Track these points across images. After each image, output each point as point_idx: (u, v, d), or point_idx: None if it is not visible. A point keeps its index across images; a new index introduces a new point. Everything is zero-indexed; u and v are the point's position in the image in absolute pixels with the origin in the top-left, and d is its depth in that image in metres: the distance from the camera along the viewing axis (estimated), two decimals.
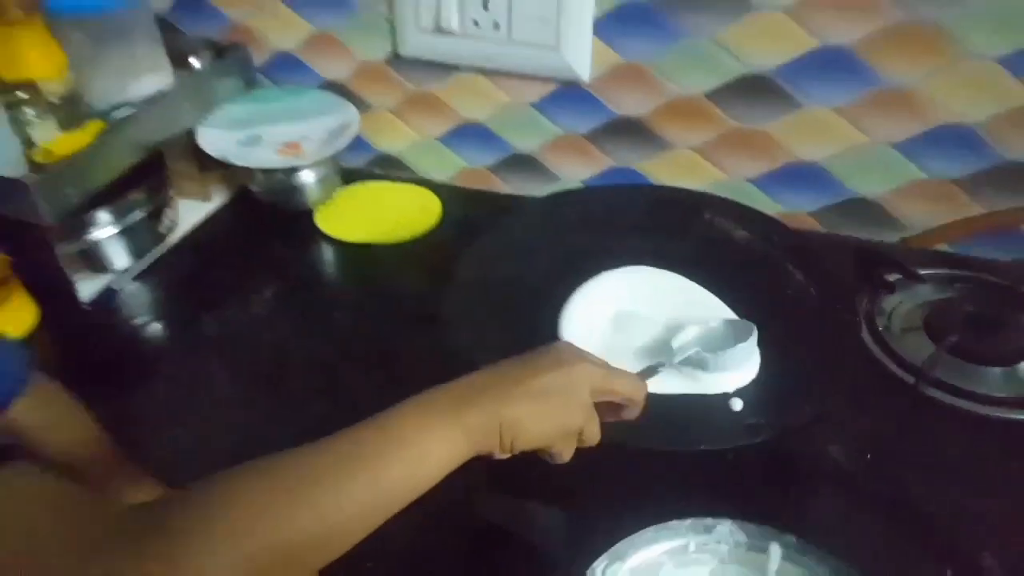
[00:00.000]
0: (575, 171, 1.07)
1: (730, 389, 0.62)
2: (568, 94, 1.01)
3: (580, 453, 0.52)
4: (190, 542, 0.36)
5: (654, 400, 0.56)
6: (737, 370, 0.63)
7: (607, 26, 0.95)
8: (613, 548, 0.54)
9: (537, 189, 1.10)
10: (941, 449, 0.63)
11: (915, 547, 0.55)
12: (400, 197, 1.10)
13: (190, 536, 0.36)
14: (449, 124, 1.10)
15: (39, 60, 1.00)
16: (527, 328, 0.67)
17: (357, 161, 1.16)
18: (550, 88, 1.01)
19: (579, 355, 0.53)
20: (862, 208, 0.96)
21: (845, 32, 0.87)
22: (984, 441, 0.65)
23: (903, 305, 0.77)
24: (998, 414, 0.65)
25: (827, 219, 0.98)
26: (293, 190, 1.06)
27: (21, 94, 0.96)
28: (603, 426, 0.53)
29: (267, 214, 1.07)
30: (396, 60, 1.07)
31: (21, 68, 0.98)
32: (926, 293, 0.79)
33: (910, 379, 0.66)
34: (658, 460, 0.60)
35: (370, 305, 0.93)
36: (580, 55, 0.96)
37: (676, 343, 0.64)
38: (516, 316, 0.70)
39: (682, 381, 0.62)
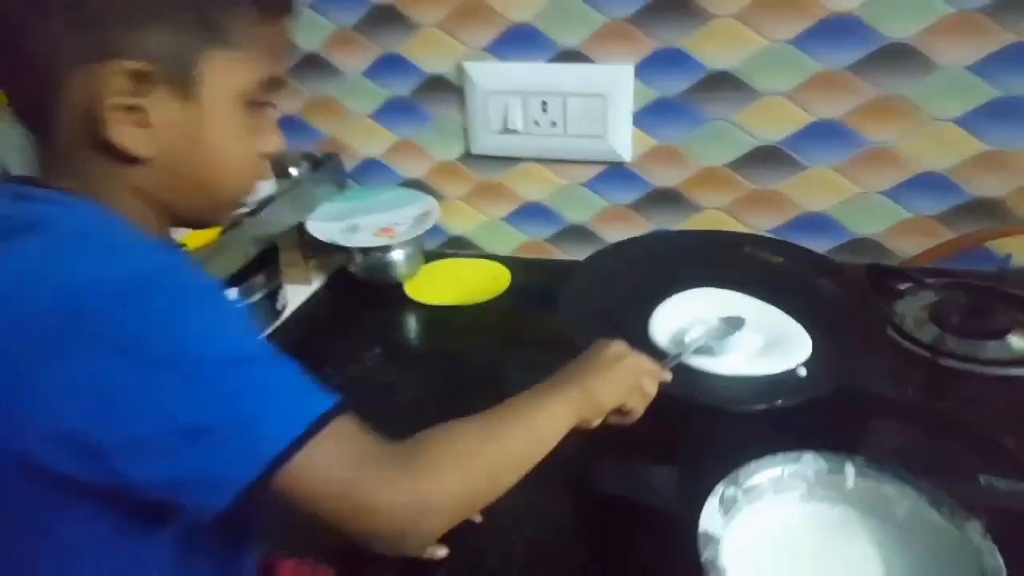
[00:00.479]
0: (620, 236, 1.27)
1: (794, 365, 0.82)
2: (613, 173, 1.24)
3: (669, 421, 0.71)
4: (434, 467, 0.54)
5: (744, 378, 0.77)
6: (738, 351, 0.85)
7: (644, 116, 1.19)
8: (729, 476, 0.72)
9: (588, 254, 1.31)
10: (955, 397, 0.85)
11: (952, 459, 0.75)
12: (474, 269, 1.30)
13: (435, 464, 0.54)
14: (512, 206, 1.32)
15: None
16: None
17: (431, 244, 1.37)
18: (598, 169, 1.25)
19: (621, 344, 0.74)
20: (863, 245, 1.18)
21: (834, 108, 1.11)
22: (985, 391, 0.86)
23: (912, 306, 0.99)
24: (994, 372, 0.87)
25: (836, 257, 1.19)
26: (387, 266, 1.26)
27: None
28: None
29: (362, 289, 1.27)
30: (467, 157, 1.30)
31: None
32: (928, 297, 1.01)
33: (927, 354, 0.87)
34: (745, 421, 0.80)
35: (463, 353, 1.12)
36: (623, 142, 1.20)
37: (687, 338, 0.85)
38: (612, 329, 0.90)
39: (761, 362, 0.82)
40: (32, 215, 0.51)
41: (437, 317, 1.21)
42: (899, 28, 1.04)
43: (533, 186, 1.30)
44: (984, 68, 1.03)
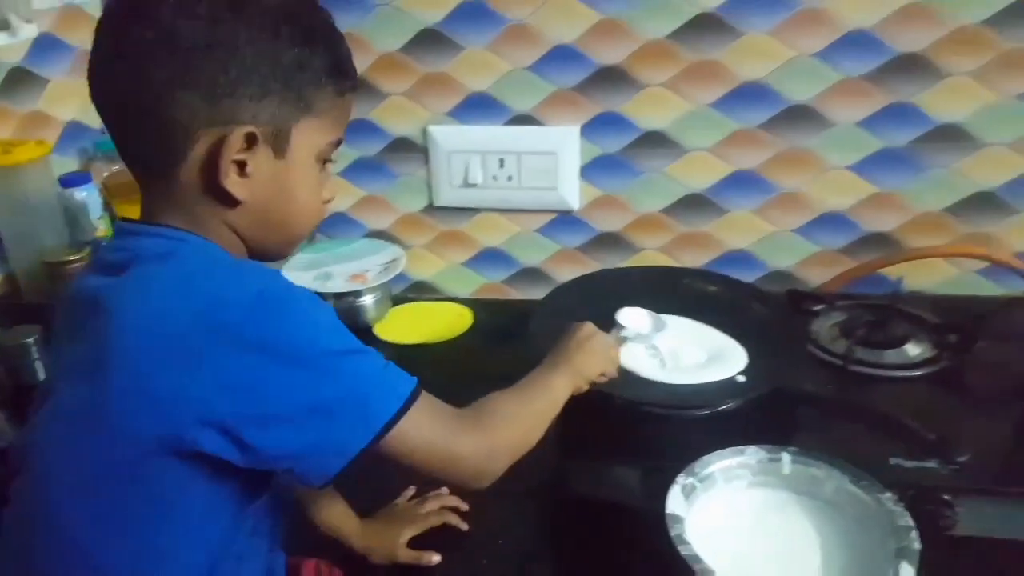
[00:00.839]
0: (570, 276, 1.42)
1: (733, 373, 0.98)
2: (563, 220, 1.41)
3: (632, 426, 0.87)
4: (495, 424, 0.72)
5: (692, 385, 0.94)
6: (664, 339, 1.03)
7: (589, 170, 1.36)
8: (687, 467, 0.86)
9: (541, 294, 1.45)
10: (864, 396, 1.03)
11: (866, 446, 0.92)
12: (438, 310, 1.43)
13: (495, 422, 0.72)
14: (471, 252, 1.47)
15: None
16: None
17: (397, 289, 1.49)
18: (549, 217, 1.41)
19: (585, 323, 0.92)
20: (779, 276, 1.37)
21: (750, 160, 1.30)
22: (888, 390, 1.03)
23: (825, 324, 1.17)
24: (894, 374, 1.05)
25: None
26: (358, 310, 1.36)
27: None
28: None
29: None
30: (429, 208, 1.44)
31: None
32: (837, 316, 1.19)
33: (839, 362, 1.05)
34: (695, 423, 0.95)
35: (431, 387, 1.23)
36: (571, 192, 1.37)
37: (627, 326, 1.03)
38: None
39: (706, 372, 0.98)
40: (159, 247, 0.64)
41: (405, 355, 1.31)
42: (800, 92, 1.24)
43: (491, 233, 1.44)
44: (870, 123, 1.24)
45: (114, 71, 0.64)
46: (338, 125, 0.72)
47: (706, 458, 0.87)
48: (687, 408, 0.95)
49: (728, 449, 0.88)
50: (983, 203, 1.25)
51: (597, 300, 1.14)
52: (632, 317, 1.05)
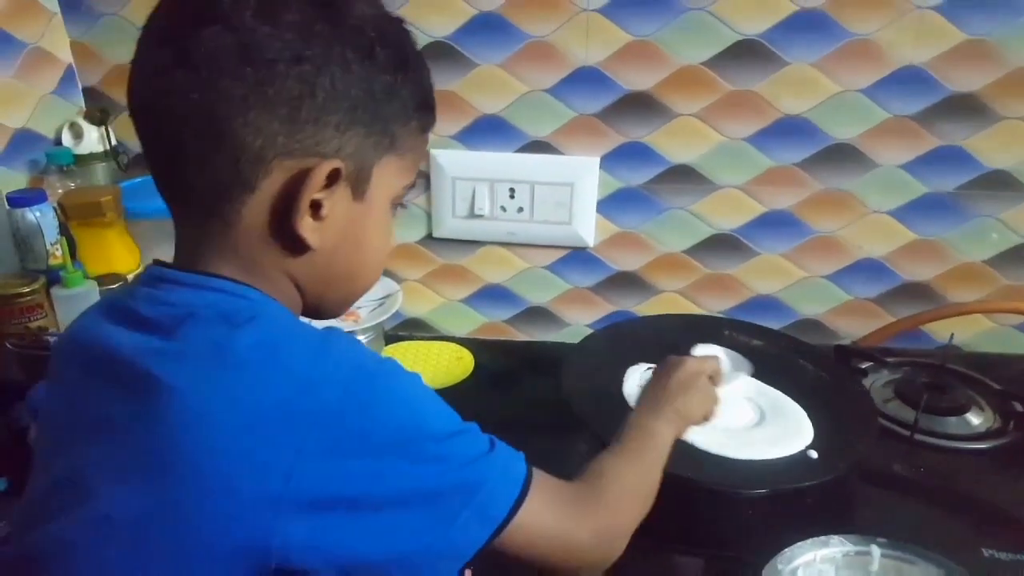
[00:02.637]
0: (580, 318, 1.33)
1: (804, 447, 0.87)
2: (576, 256, 1.28)
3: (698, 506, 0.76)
4: (614, 503, 0.66)
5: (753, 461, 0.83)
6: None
7: (607, 205, 1.24)
8: (768, 564, 0.75)
9: (547, 335, 1.34)
10: (935, 472, 0.94)
11: (953, 533, 0.83)
12: (436, 351, 1.30)
13: (613, 501, 0.66)
14: (472, 288, 1.34)
15: (124, 255, 1.15)
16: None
17: (388, 325, 1.35)
18: (561, 253, 1.29)
19: (686, 359, 0.87)
20: (809, 325, 1.28)
21: (785, 200, 1.20)
22: (956, 464, 0.95)
23: (875, 384, 1.08)
24: (959, 445, 0.97)
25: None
26: None
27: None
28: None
29: None
30: (429, 240, 1.30)
31: (110, 262, 1.14)
32: (887, 375, 1.10)
33: (905, 432, 0.95)
34: (750, 504, 0.85)
35: None
36: (587, 228, 1.25)
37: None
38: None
39: (773, 447, 0.87)
40: (221, 305, 0.53)
41: None
42: (843, 130, 1.15)
43: (496, 269, 1.31)
44: (914, 167, 1.16)
45: (174, 80, 0.52)
46: (415, 166, 0.64)
47: (788, 552, 0.77)
48: (755, 488, 0.84)
49: (811, 540, 0.78)
50: None
51: (631, 350, 1.03)
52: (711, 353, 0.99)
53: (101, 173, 1.28)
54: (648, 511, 0.69)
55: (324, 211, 0.56)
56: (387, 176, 0.60)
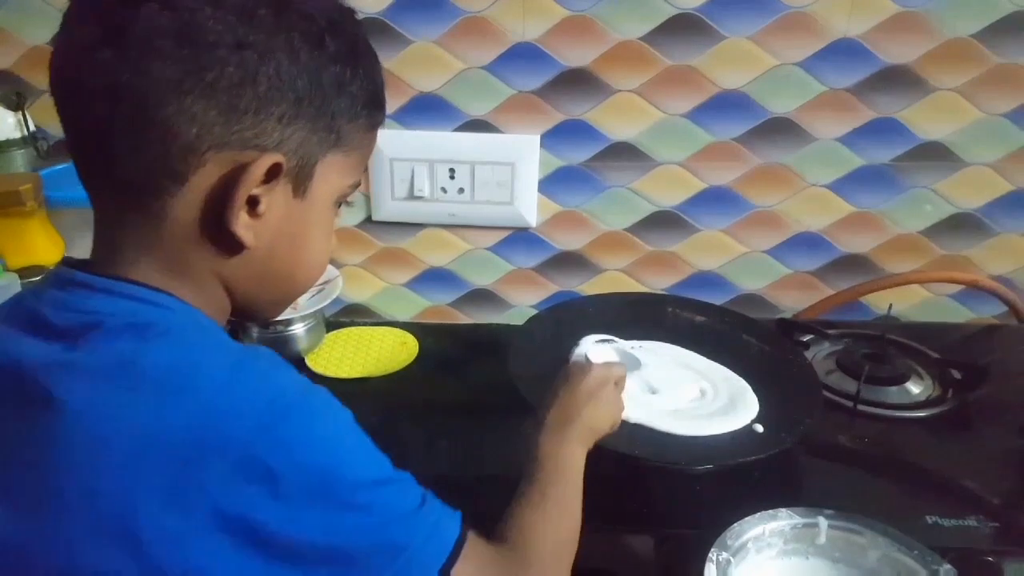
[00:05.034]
0: (525, 298, 1.31)
1: (749, 421, 0.87)
2: (519, 237, 1.27)
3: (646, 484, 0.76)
4: (543, 565, 0.63)
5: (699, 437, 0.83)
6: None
7: (548, 184, 1.23)
8: (718, 540, 0.75)
9: (491, 317, 1.33)
10: (878, 440, 0.94)
11: (897, 501, 0.84)
12: (380, 337, 1.27)
13: (542, 563, 0.63)
14: (415, 271, 1.31)
15: (47, 246, 1.10)
16: None
17: (328, 312, 1.32)
18: (504, 234, 1.27)
19: (590, 367, 0.81)
20: (751, 300, 1.28)
21: (724, 175, 1.20)
22: (896, 433, 0.96)
23: (817, 356, 1.09)
24: (899, 414, 0.98)
25: None
26: (288, 340, 1.19)
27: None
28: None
29: None
30: (368, 224, 1.27)
31: (31, 254, 1.08)
32: (827, 347, 1.11)
33: (848, 403, 0.96)
34: (697, 480, 0.85)
35: (374, 429, 1.08)
36: (529, 207, 1.23)
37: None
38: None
39: (719, 423, 0.87)
40: (133, 315, 0.50)
41: (344, 391, 1.15)
42: (780, 104, 1.15)
43: (437, 252, 1.29)
44: (850, 139, 1.16)
45: (103, 59, 0.47)
46: (361, 165, 0.60)
47: (737, 527, 0.77)
48: (703, 464, 0.84)
49: (759, 514, 0.78)
50: (961, 224, 1.21)
51: (576, 330, 1.02)
52: (600, 354, 0.94)
53: (20, 160, 1.22)
54: (575, 542, 0.67)
55: (261, 208, 0.52)
56: (331, 174, 0.56)
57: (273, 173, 0.52)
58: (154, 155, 0.49)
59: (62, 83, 0.51)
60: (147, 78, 0.47)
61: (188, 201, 0.51)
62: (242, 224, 0.52)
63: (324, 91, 0.53)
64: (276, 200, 0.54)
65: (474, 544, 0.56)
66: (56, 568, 0.44)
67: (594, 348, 0.97)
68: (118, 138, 0.49)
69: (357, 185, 0.61)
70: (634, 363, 0.96)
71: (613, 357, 0.95)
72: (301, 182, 0.55)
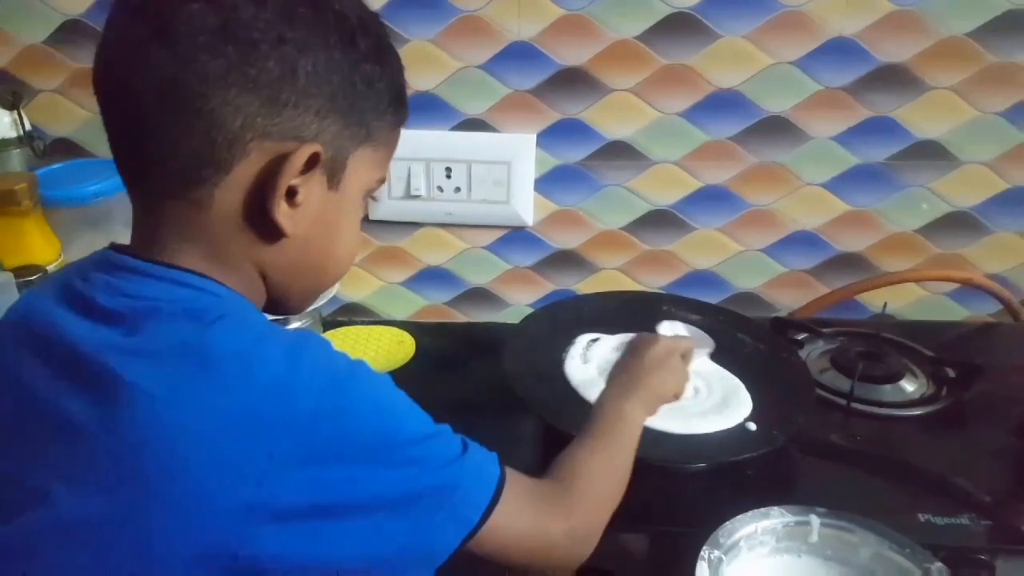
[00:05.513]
0: (521, 297, 1.32)
1: (742, 419, 0.88)
2: (515, 236, 1.27)
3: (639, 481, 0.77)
4: (587, 503, 0.66)
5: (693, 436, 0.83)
6: None
7: (544, 183, 1.23)
8: (710, 538, 0.75)
9: (488, 316, 1.33)
10: (871, 437, 0.95)
11: (890, 499, 0.84)
12: (376, 336, 1.27)
13: (586, 501, 0.66)
14: (412, 270, 1.31)
15: (43, 245, 1.10)
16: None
17: (325, 311, 1.32)
18: (500, 233, 1.27)
19: (658, 337, 0.88)
20: (746, 298, 1.29)
21: (720, 174, 1.20)
22: (891, 431, 0.97)
23: (811, 354, 1.09)
24: (894, 413, 0.99)
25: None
26: None
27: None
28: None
29: None
30: (366, 223, 1.27)
31: (27, 253, 1.08)
32: (821, 345, 1.12)
33: (841, 401, 0.97)
34: (690, 478, 0.85)
35: None
36: (526, 206, 1.23)
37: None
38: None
39: (712, 421, 0.87)
40: (187, 300, 0.52)
41: None
42: (775, 103, 1.15)
43: (434, 251, 1.29)
44: (846, 138, 1.17)
45: (149, 55, 0.50)
46: (388, 160, 0.64)
47: (729, 525, 0.77)
48: (696, 462, 0.84)
49: (751, 512, 0.79)
50: (956, 223, 1.21)
51: (571, 329, 1.03)
52: (671, 329, 1.02)
53: (15, 160, 1.22)
54: (620, 498, 0.70)
55: (299, 198, 0.55)
56: (361, 167, 0.59)
57: (311, 163, 0.54)
58: (201, 145, 0.52)
59: (110, 79, 0.54)
60: (195, 73, 0.50)
61: (231, 190, 0.53)
62: (282, 212, 0.54)
63: (356, 87, 0.56)
64: (313, 191, 0.56)
65: (517, 480, 0.61)
66: (134, 548, 0.46)
67: (665, 324, 1.03)
68: (166, 130, 0.51)
69: (383, 180, 0.64)
70: (705, 342, 1.01)
71: (684, 333, 1.01)
72: (335, 174, 0.57)
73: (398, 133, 0.65)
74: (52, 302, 0.55)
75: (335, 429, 0.49)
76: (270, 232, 0.55)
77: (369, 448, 0.51)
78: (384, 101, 0.60)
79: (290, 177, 0.54)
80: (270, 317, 0.61)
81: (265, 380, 0.48)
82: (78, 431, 0.48)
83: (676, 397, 0.85)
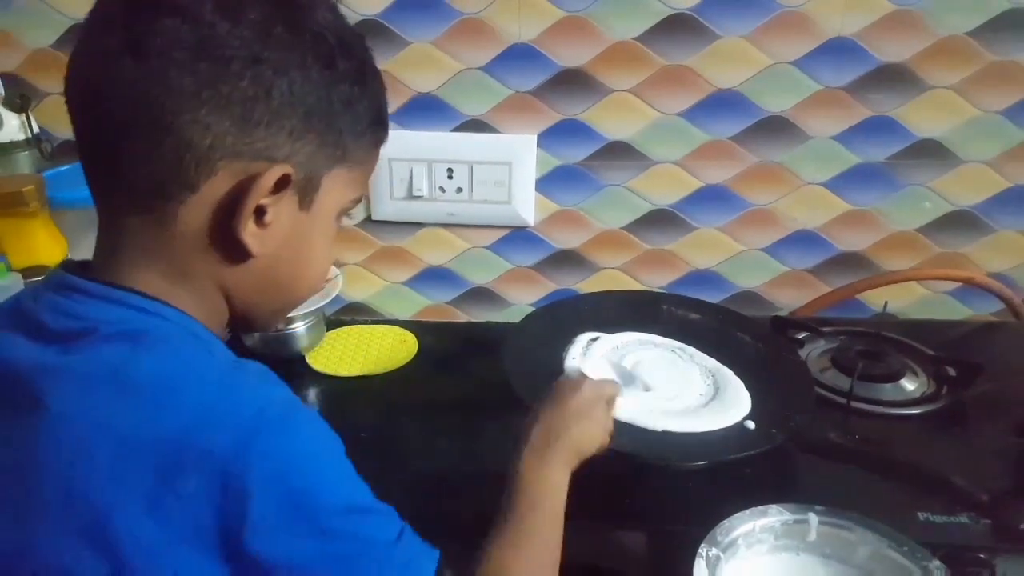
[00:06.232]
0: (523, 297, 1.32)
1: (741, 418, 0.88)
2: (517, 236, 1.28)
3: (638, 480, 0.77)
4: None
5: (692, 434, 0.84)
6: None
7: (545, 183, 1.23)
8: (708, 536, 0.76)
9: (490, 315, 1.34)
10: (871, 438, 0.95)
11: (890, 498, 0.84)
12: (380, 336, 1.28)
13: None
14: (414, 270, 1.32)
15: (50, 247, 1.11)
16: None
17: (329, 310, 1.33)
18: (502, 233, 1.28)
19: (581, 383, 0.78)
20: (747, 297, 1.29)
21: (720, 174, 1.21)
22: (890, 430, 0.97)
23: (811, 353, 1.09)
24: (893, 411, 0.99)
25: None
26: (288, 339, 1.20)
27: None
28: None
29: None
30: (368, 223, 1.28)
31: (34, 254, 1.09)
32: (822, 344, 1.12)
33: (841, 400, 0.97)
34: (689, 477, 0.85)
35: (374, 425, 1.08)
36: (527, 206, 1.24)
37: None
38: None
39: (710, 419, 0.88)
40: (127, 322, 0.50)
41: (345, 389, 1.17)
42: (775, 103, 1.15)
43: (436, 250, 1.30)
44: (846, 138, 1.17)
45: (122, 68, 0.49)
46: (364, 180, 0.62)
47: (727, 523, 0.78)
48: (694, 461, 0.85)
49: (749, 510, 0.79)
50: (957, 222, 1.21)
51: (571, 328, 1.03)
52: (596, 369, 0.96)
53: (23, 162, 1.23)
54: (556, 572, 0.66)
55: (268, 218, 0.54)
56: (336, 187, 0.58)
57: (282, 184, 0.53)
58: (168, 162, 0.50)
59: (80, 89, 0.52)
60: (166, 88, 0.49)
61: (197, 208, 0.52)
62: (249, 232, 0.53)
63: (333, 108, 0.55)
64: (282, 211, 0.55)
65: None
66: (36, 572, 0.45)
67: (590, 363, 0.97)
68: (133, 144, 0.50)
69: (359, 200, 0.63)
70: (629, 379, 0.95)
71: (610, 372, 0.96)
72: (307, 194, 0.56)
73: (376, 153, 0.63)
74: (3, 322, 0.54)
75: (250, 474, 0.45)
76: (236, 252, 0.54)
77: (284, 504, 0.47)
78: (363, 122, 0.59)
79: (258, 197, 0.52)
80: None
81: (185, 410, 0.46)
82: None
83: (600, 450, 0.76)
